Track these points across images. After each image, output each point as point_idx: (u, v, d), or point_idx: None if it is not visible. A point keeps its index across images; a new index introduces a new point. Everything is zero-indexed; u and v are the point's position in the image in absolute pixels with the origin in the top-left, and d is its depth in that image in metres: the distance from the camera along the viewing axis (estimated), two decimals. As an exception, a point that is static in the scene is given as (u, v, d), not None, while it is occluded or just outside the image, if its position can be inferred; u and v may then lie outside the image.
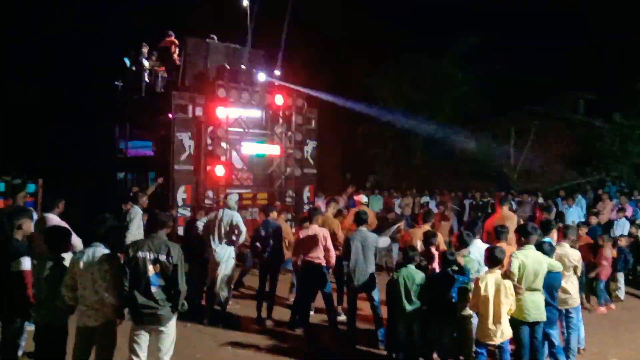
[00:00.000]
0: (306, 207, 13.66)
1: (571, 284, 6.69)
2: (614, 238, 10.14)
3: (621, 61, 20.96)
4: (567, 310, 6.68)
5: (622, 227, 11.73)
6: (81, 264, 4.97)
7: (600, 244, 9.41)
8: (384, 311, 7.14)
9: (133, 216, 8.99)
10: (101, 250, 5.08)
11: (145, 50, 14.48)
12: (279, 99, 13.44)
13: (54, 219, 7.16)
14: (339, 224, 8.89)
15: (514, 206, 14.42)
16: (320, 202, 13.91)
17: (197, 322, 8.06)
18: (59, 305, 5.08)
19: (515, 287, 5.77)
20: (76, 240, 6.28)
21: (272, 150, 13.84)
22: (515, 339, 5.92)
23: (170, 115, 12.27)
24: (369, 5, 24.54)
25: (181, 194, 12.17)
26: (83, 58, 20.98)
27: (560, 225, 8.12)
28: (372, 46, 24.50)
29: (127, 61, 15.03)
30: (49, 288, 5.12)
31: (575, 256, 6.79)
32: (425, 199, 18.66)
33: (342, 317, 8.17)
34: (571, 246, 6.93)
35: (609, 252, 9.39)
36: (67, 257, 5.24)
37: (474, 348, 6.06)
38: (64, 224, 6.62)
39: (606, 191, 15.87)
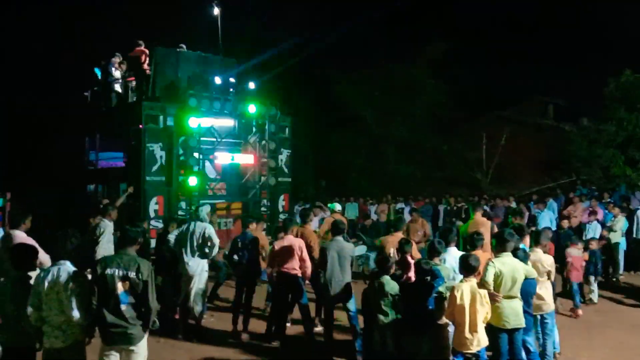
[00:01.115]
0: (281, 217, 13.56)
1: (545, 290, 6.71)
2: (585, 241, 10.22)
3: (589, 67, 21.42)
4: (542, 315, 6.70)
5: (594, 230, 11.83)
6: (46, 284, 4.79)
7: (568, 246, 9.47)
8: (361, 321, 7.08)
9: (103, 230, 8.79)
10: (67, 267, 4.89)
11: (117, 60, 14.27)
12: (252, 108, 13.34)
13: (20, 235, 6.98)
14: (315, 237, 8.76)
15: (487, 209, 14.55)
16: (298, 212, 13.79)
17: (170, 337, 7.91)
18: (25, 327, 4.90)
19: (492, 295, 5.76)
20: (44, 257, 6.10)
21: (246, 159, 13.75)
22: (494, 347, 5.88)
23: (140, 126, 12.09)
24: (341, 12, 24.67)
25: (153, 206, 11.99)
26: (52, 68, 20.62)
27: (533, 229, 8.16)
28: (344, 53, 24.62)
29: (97, 72, 14.79)
30: (15, 308, 4.92)
31: (548, 261, 6.82)
32: (399, 205, 18.72)
33: (319, 328, 8.09)
34: (543, 252, 6.97)
35: (576, 252, 9.43)
36: (35, 275, 5.06)
37: (451, 357, 6.03)
38: (30, 240, 6.45)
39: (577, 194, 16.06)
